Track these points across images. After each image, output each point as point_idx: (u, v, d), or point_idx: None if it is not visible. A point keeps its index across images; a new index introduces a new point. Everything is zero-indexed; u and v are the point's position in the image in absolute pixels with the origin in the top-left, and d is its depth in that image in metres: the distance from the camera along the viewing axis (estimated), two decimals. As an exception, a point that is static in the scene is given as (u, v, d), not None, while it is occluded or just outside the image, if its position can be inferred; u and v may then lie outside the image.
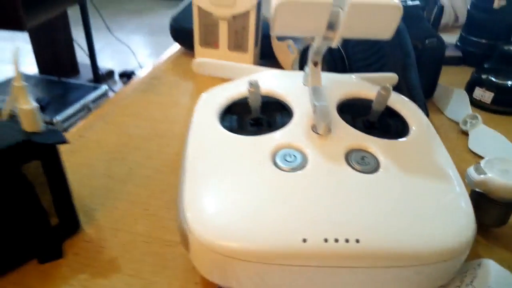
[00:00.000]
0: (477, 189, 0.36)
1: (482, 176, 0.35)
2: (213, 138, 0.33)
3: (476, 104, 0.59)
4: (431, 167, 0.32)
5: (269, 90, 0.37)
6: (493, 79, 0.59)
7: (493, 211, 0.36)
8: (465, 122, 0.53)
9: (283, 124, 0.34)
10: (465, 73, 0.62)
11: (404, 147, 0.33)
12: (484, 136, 0.51)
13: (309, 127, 0.33)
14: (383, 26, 0.29)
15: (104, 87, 1.87)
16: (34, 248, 0.32)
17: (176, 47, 0.73)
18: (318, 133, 0.32)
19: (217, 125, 0.34)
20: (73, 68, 2.16)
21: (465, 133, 0.52)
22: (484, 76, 0.60)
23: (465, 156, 0.49)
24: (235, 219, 0.27)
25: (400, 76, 0.47)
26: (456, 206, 0.29)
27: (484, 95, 0.58)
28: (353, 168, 0.30)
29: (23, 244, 0.32)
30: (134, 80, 0.62)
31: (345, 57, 0.52)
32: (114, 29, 2.67)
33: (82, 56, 2.11)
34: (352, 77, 0.42)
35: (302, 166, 0.30)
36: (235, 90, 0.37)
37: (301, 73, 0.40)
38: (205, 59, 0.41)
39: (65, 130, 1.06)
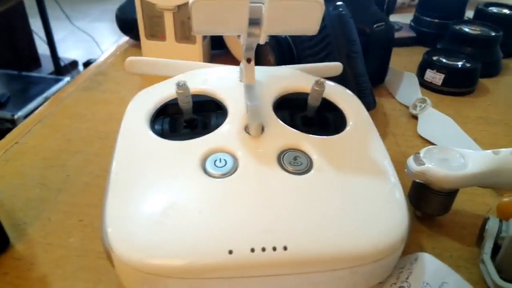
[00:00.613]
0: (417, 180, 0.35)
1: (421, 167, 0.34)
2: (140, 145, 0.31)
3: (427, 86, 0.59)
4: (365, 163, 0.31)
5: (203, 89, 0.36)
6: (443, 60, 0.59)
7: (435, 201, 0.36)
8: (414, 106, 0.53)
9: (217, 125, 0.33)
10: (419, 54, 0.62)
11: (339, 143, 0.32)
12: (433, 120, 0.50)
13: (242, 128, 0.32)
14: (306, 21, 0.28)
15: (66, 79, 1.81)
16: (-44, 272, 0.31)
17: (124, 38, 0.70)
18: (251, 136, 0.31)
19: (146, 130, 0.32)
20: (34, 60, 2.08)
21: (416, 118, 0.52)
22: (434, 58, 0.59)
23: (415, 142, 0.48)
24: (159, 234, 0.26)
25: (345, 65, 0.46)
26: (389, 204, 0.29)
27: (435, 77, 0.58)
28: (285, 169, 0.29)
29: None
30: (77, 77, 0.59)
31: (293, 47, 0.51)
32: (77, 17, 2.58)
33: (44, 48, 2.03)
34: (292, 70, 0.41)
35: (232, 171, 0.29)
36: (168, 90, 0.36)
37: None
38: (137, 57, 0.39)
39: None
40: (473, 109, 0.55)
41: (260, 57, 0.55)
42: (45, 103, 0.53)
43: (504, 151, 0.35)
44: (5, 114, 1.55)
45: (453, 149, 0.35)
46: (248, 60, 0.34)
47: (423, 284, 0.29)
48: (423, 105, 0.52)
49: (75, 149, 0.44)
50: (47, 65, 2.08)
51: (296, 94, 0.37)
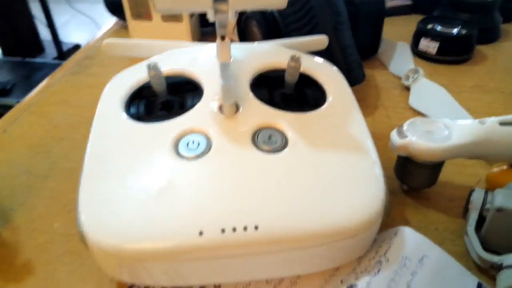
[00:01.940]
0: (401, 154, 0.34)
1: (403, 140, 0.33)
2: (113, 129, 0.31)
3: (422, 56, 0.57)
4: (341, 138, 0.30)
5: (179, 70, 0.35)
6: (438, 27, 0.57)
7: (420, 174, 0.35)
8: (407, 77, 0.51)
9: (193, 106, 0.32)
10: (416, 23, 0.60)
11: (315, 119, 0.31)
12: (425, 90, 0.49)
13: (216, 108, 0.31)
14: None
15: (69, 64, 1.80)
16: None
17: (113, 20, 0.69)
18: (225, 115, 0.31)
19: (119, 114, 0.32)
20: (37, 46, 2.08)
21: (408, 89, 0.51)
22: (429, 26, 0.57)
23: (406, 114, 0.47)
24: (130, 218, 0.26)
25: (331, 37, 0.45)
26: (364, 179, 0.28)
27: (429, 45, 0.56)
28: (259, 148, 0.29)
29: None
30: (65, 62, 0.59)
31: (280, 21, 0.50)
32: (78, 0, 2.56)
33: (47, 33, 2.03)
34: (273, 46, 0.40)
35: (205, 152, 0.29)
36: (142, 72, 0.35)
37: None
38: (113, 39, 0.38)
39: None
40: (469, 77, 0.54)
41: (248, 33, 0.54)
42: (33, 90, 0.53)
43: (490, 120, 0.34)
44: (11, 101, 1.56)
45: (438, 121, 0.34)
46: (222, 38, 0.33)
47: (401, 259, 0.28)
48: (415, 76, 0.51)
49: (61, 136, 0.44)
50: (51, 50, 2.08)
51: (275, 71, 0.36)
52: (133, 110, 0.33)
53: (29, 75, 1.77)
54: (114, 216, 0.26)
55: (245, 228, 0.25)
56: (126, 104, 0.33)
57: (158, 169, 0.28)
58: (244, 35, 0.55)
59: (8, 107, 0.50)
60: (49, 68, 1.77)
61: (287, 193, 0.26)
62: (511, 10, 0.66)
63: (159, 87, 0.32)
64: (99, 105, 0.33)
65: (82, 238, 0.27)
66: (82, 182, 0.28)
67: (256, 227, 0.25)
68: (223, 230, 0.25)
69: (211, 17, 0.30)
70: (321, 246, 0.26)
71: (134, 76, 0.35)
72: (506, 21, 0.64)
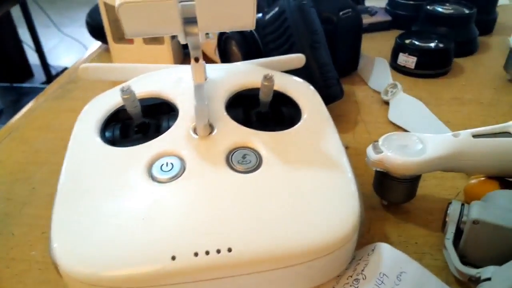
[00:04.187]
0: (377, 169, 0.35)
1: (378, 155, 0.33)
2: (88, 154, 0.31)
3: (401, 70, 0.58)
4: (315, 156, 0.30)
5: (154, 92, 0.35)
6: (415, 42, 0.58)
7: (397, 189, 0.35)
8: (386, 92, 0.52)
9: (169, 128, 0.32)
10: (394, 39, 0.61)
11: (290, 138, 0.32)
12: (404, 104, 0.50)
13: (191, 129, 0.32)
14: (240, 16, 0.27)
15: (58, 88, 1.80)
16: None
17: (98, 43, 0.70)
18: (199, 137, 0.31)
19: (94, 138, 0.32)
20: (26, 71, 2.08)
21: (388, 103, 0.51)
22: (407, 41, 0.58)
23: (386, 129, 0.48)
24: (103, 246, 0.25)
25: (308, 55, 0.45)
26: (338, 197, 0.28)
27: (408, 60, 0.57)
28: (233, 169, 0.29)
29: None
30: (48, 86, 0.59)
31: (259, 41, 0.50)
32: (65, 24, 2.58)
33: (36, 58, 2.03)
34: (248, 66, 0.40)
35: (179, 174, 0.29)
36: (118, 96, 0.35)
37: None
38: (89, 64, 0.38)
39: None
40: (447, 90, 0.54)
41: (228, 53, 0.55)
42: (16, 116, 0.53)
43: (463, 133, 0.34)
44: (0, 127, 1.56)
45: (413, 134, 0.35)
46: (196, 59, 0.33)
47: (379, 275, 0.28)
48: (394, 90, 0.51)
49: (42, 161, 0.44)
50: (40, 75, 2.08)
51: (250, 90, 0.36)
52: (108, 134, 0.33)
53: (18, 100, 1.77)
54: (87, 244, 0.26)
55: (218, 251, 0.25)
56: (101, 129, 0.33)
57: (131, 194, 0.28)
58: (225, 56, 0.56)
59: (-6, 133, 0.49)
60: (37, 93, 1.77)
61: (261, 214, 0.26)
62: (487, 23, 0.67)
63: (134, 109, 0.32)
64: (74, 130, 0.33)
65: (55, 267, 0.27)
66: (55, 209, 0.28)
67: (229, 250, 0.25)
68: (196, 254, 0.25)
69: (182, 40, 0.30)
70: (296, 265, 0.26)
71: (109, 100, 0.35)
72: (482, 33, 0.65)
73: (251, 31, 0.51)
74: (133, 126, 0.34)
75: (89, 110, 0.35)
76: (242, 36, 0.51)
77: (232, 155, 0.30)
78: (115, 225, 0.26)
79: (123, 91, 0.31)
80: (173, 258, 0.25)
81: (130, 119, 0.34)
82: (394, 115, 0.49)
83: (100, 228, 0.26)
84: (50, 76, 2.03)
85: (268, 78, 0.32)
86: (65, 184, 0.29)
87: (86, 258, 0.25)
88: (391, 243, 0.31)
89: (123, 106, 0.35)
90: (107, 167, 0.30)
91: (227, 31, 0.52)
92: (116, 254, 0.25)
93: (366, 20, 0.70)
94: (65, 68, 2.19)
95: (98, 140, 0.32)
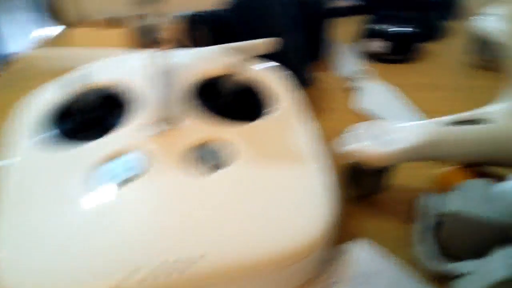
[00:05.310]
0: (349, 161, 0.33)
1: (349, 146, 0.32)
2: (25, 160, 0.27)
3: (370, 56, 0.57)
4: (285, 151, 0.28)
5: (106, 82, 0.32)
6: (384, 27, 0.57)
7: (367, 180, 0.34)
8: (354, 79, 0.51)
9: (120, 123, 0.29)
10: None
11: (260, 129, 0.30)
12: (373, 91, 0.49)
13: (149, 124, 0.29)
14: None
15: None
16: None
17: (55, 27, 0.65)
18: (160, 131, 0.28)
19: (29, 142, 0.28)
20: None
21: (357, 90, 0.50)
22: (376, 26, 0.57)
23: (355, 116, 0.46)
24: (51, 264, 0.23)
25: (278, 41, 0.43)
26: (308, 199, 0.26)
27: (376, 46, 0.55)
28: (197, 169, 0.27)
29: None
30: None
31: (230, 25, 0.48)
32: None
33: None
34: (216, 51, 0.37)
35: (133, 178, 0.26)
36: (62, 88, 0.31)
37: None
38: (39, 50, 0.35)
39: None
40: (417, 75, 0.54)
41: (198, 37, 0.52)
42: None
43: (438, 120, 0.33)
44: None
45: (385, 124, 0.34)
46: (158, 43, 0.30)
47: (353, 277, 0.27)
48: (363, 77, 0.50)
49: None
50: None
51: (219, 78, 0.33)
52: (51, 133, 0.30)
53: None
54: (31, 263, 0.23)
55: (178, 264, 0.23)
56: (40, 127, 0.30)
57: (70, 206, 0.25)
58: (194, 40, 0.53)
59: None
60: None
61: (224, 222, 0.24)
62: (454, 8, 0.67)
63: (82, 103, 0.29)
64: (8, 132, 0.29)
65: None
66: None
67: (194, 262, 0.23)
68: (147, 269, 0.22)
69: (143, 22, 0.27)
70: (262, 275, 0.24)
71: (51, 95, 0.31)
72: (452, 18, 0.65)
73: (223, 14, 0.48)
74: (79, 122, 0.30)
75: (25, 107, 0.31)
76: (213, 21, 0.48)
77: (196, 152, 0.27)
78: (54, 244, 0.23)
79: (69, 82, 0.28)
80: (133, 272, 0.22)
81: (75, 115, 0.31)
82: (364, 102, 0.47)
83: (37, 248, 0.23)
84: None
85: (235, 67, 0.30)
86: (3, 197, 0.26)
87: (31, 279, 0.22)
88: (364, 238, 0.30)
89: (70, 99, 0.31)
90: (48, 174, 0.26)
91: (196, 13, 0.49)
92: (66, 273, 0.22)
93: (336, 4, 0.68)
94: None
95: (33, 145, 0.28)
